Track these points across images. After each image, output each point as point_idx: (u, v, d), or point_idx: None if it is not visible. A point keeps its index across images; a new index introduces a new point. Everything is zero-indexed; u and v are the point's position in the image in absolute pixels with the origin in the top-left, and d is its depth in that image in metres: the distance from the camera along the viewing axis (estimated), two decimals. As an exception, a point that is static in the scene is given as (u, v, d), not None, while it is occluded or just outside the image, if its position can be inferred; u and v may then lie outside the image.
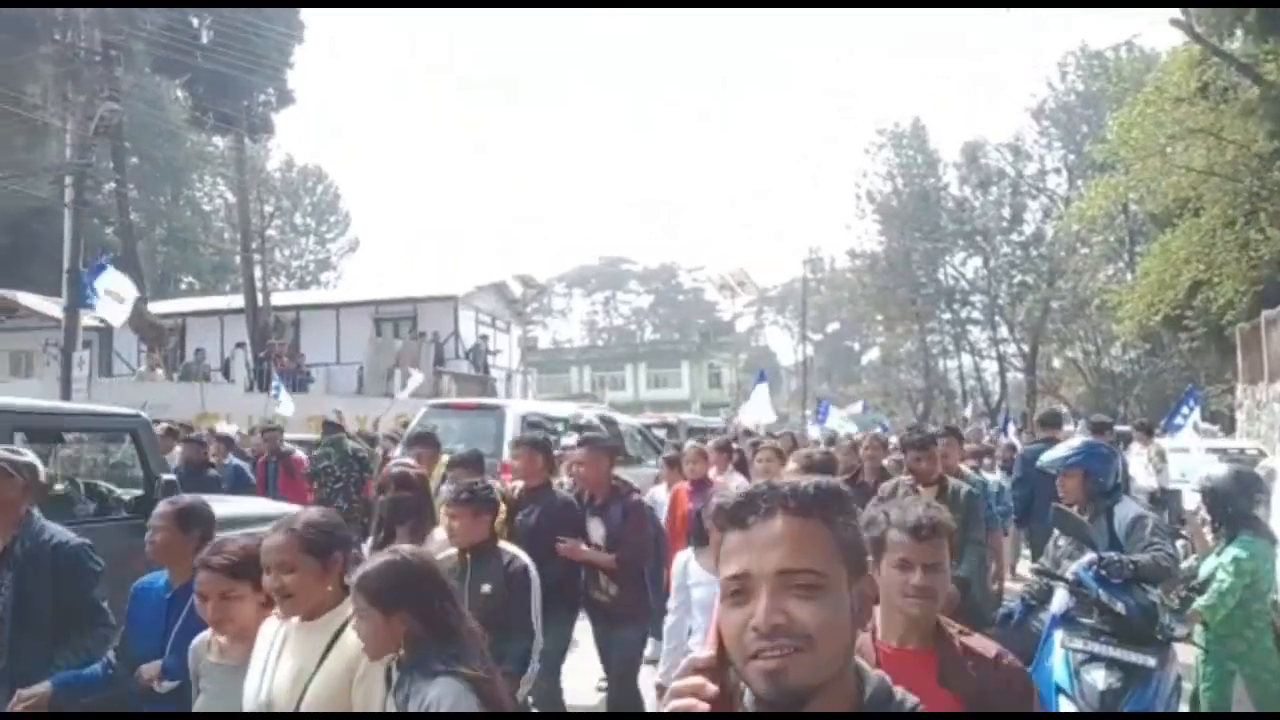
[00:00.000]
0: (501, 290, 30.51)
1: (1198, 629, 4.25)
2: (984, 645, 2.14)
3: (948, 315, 45.47)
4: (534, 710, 4.43)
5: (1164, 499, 8.60)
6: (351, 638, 2.43)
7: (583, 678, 5.42)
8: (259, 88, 25.84)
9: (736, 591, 1.16)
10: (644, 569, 5.02)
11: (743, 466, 7.82)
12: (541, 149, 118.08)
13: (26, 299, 21.29)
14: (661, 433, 14.86)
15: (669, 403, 41.60)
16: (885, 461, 6.99)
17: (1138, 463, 9.92)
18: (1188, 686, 4.28)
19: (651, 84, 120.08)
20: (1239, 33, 19.17)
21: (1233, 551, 4.25)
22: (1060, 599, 3.95)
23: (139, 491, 5.97)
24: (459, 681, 2.21)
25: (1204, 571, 4.39)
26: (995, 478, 8.83)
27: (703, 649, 1.26)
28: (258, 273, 25.90)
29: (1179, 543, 5.98)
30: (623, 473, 7.42)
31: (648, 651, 5.21)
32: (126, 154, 25.81)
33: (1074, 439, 5.72)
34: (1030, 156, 43.43)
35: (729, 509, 1.22)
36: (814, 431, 18.68)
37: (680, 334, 63.22)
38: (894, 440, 8.22)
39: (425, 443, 6.47)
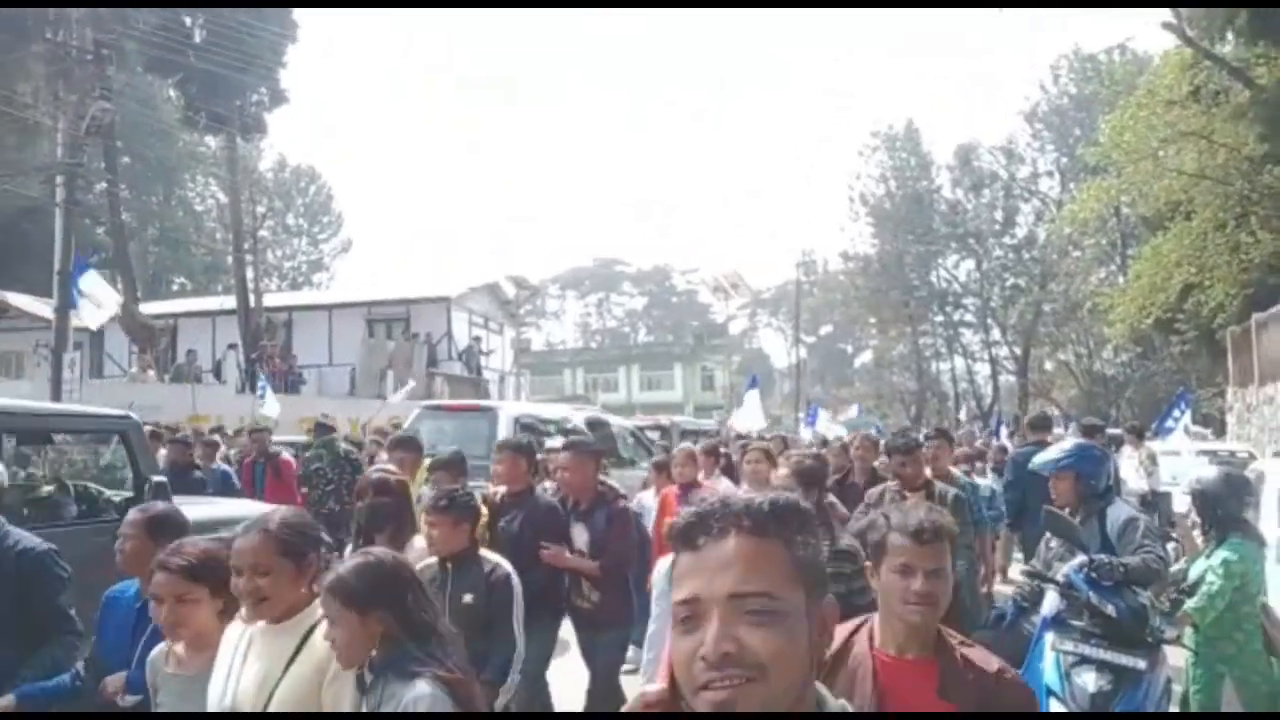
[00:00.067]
0: (494, 292, 30.52)
1: (1187, 631, 4.25)
2: (985, 658, 2.04)
3: (940, 318, 45.59)
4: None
5: (1155, 502, 8.64)
6: (320, 640, 2.35)
7: (568, 678, 5.38)
8: (252, 87, 25.76)
9: (687, 618, 1.09)
10: (628, 575, 4.97)
11: (730, 471, 7.82)
12: (535, 149, 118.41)
13: (17, 300, 21.25)
14: (654, 435, 14.85)
15: (662, 405, 41.63)
16: (876, 463, 6.96)
17: (1129, 465, 9.93)
18: (1178, 689, 4.28)
19: (645, 84, 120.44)
20: (1230, 36, 19.26)
21: (1222, 554, 4.26)
22: (1051, 601, 3.95)
23: (129, 493, 5.93)
24: (435, 685, 2.16)
25: (1194, 574, 4.39)
26: (987, 481, 8.83)
27: (654, 681, 1.20)
28: (250, 273, 25.84)
29: (1170, 545, 6.00)
30: (615, 475, 7.44)
31: (629, 655, 5.17)
32: (118, 153, 25.65)
33: (1065, 441, 5.73)
34: (1023, 159, 43.64)
35: (679, 529, 1.15)
36: (806, 434, 18.73)
37: (673, 336, 63.25)
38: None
39: (407, 446, 6.24)
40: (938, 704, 1.94)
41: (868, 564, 2.22)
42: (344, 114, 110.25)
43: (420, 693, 2.14)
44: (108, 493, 6.42)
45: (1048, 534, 4.28)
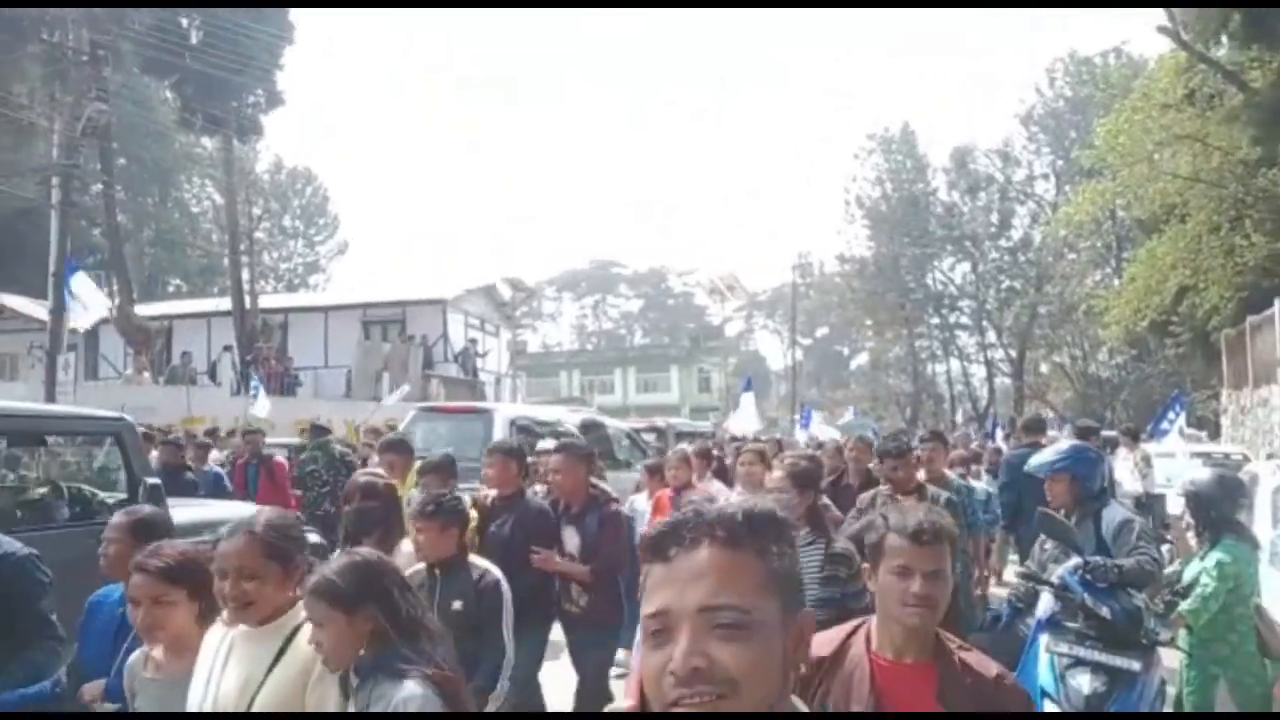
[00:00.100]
0: (491, 293, 30.51)
1: (1181, 633, 4.25)
2: (983, 663, 2.00)
3: (936, 320, 45.67)
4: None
5: (1149, 504, 8.63)
6: (304, 643, 2.30)
7: (558, 679, 5.37)
8: (248, 89, 25.76)
9: (656, 631, 1.06)
10: (619, 579, 4.93)
11: (723, 473, 7.81)
12: (532, 150, 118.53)
13: (12, 301, 21.22)
14: (650, 437, 14.85)
15: (658, 407, 41.60)
16: (870, 464, 6.95)
17: (1124, 468, 9.96)
18: (1172, 690, 4.28)
19: (643, 85, 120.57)
20: (1225, 39, 19.32)
21: (1216, 556, 4.26)
22: (1046, 603, 3.95)
23: (123, 495, 5.91)
24: (424, 684, 2.12)
25: (1188, 576, 4.39)
26: (983, 484, 8.83)
27: (624, 699, 1.17)
28: (245, 275, 25.81)
29: (1164, 547, 6.01)
30: (611, 477, 7.43)
31: (619, 658, 5.15)
32: (114, 155, 25.63)
33: (1060, 443, 5.73)
34: (1018, 162, 43.79)
35: (651, 540, 1.12)
36: (802, 436, 18.74)
37: (670, 338, 63.27)
38: (881, 444, 8.19)
39: (397, 450, 6.16)
40: (937, 709, 1.91)
41: (865, 566, 2.19)
42: (340, 115, 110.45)
43: (410, 693, 2.10)
44: (101, 495, 6.39)
45: (1043, 536, 4.28)
